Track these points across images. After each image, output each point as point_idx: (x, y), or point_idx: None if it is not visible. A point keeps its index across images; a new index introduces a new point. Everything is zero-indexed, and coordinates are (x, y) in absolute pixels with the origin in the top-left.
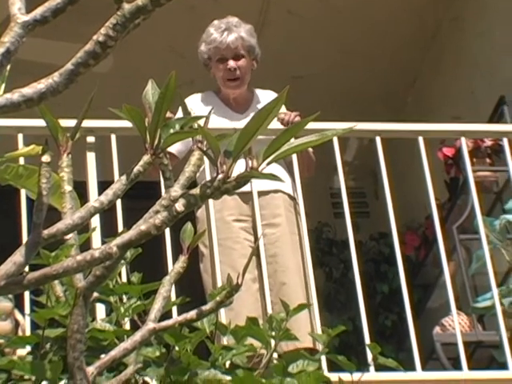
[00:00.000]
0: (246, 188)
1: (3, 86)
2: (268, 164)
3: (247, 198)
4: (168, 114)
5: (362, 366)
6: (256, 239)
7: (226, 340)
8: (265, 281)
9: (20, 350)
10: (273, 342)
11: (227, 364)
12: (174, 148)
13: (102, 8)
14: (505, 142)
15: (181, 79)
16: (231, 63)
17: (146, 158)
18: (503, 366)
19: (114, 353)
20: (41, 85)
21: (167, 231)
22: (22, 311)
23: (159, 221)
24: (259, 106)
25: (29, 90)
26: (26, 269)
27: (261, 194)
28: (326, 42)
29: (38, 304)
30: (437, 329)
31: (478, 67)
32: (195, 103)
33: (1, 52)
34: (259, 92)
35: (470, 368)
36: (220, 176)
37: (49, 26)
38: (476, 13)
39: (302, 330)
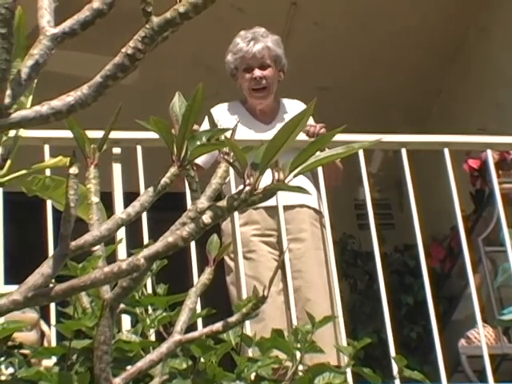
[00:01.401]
0: (271, 202)
1: (31, 97)
2: (294, 176)
3: (273, 212)
4: (194, 127)
5: (387, 379)
6: (281, 253)
7: (251, 352)
8: (290, 294)
9: (46, 360)
10: (298, 354)
11: (252, 376)
12: (200, 159)
13: (130, 20)
14: None
15: (206, 91)
16: (257, 72)
17: (172, 169)
18: None
19: (140, 364)
20: (70, 97)
21: (192, 243)
22: (47, 322)
23: (186, 233)
24: (286, 116)
25: (58, 103)
26: (53, 281)
27: (286, 208)
28: (350, 53)
29: (65, 315)
30: (462, 341)
31: (505, 78)
32: (221, 113)
33: (30, 64)
34: (286, 102)
35: (496, 381)
36: (247, 188)
37: (76, 37)
38: (503, 24)
39: (327, 347)
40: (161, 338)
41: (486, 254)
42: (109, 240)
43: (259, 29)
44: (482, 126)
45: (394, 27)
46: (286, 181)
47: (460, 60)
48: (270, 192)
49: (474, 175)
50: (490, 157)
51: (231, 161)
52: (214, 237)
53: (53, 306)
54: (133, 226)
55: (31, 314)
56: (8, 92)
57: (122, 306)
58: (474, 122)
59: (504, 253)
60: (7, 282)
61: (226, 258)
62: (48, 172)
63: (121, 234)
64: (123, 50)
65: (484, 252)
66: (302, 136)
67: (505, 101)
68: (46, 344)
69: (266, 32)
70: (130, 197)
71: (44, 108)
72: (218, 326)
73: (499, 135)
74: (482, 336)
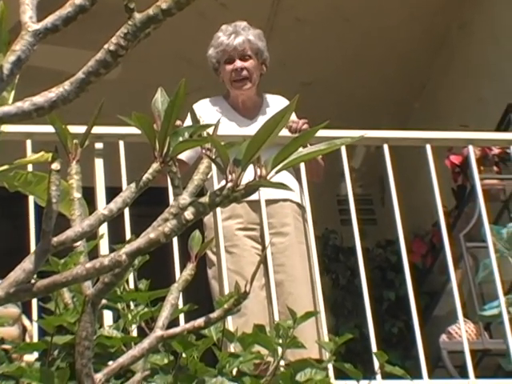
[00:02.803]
0: (255, 196)
1: (13, 93)
2: (277, 172)
3: (256, 206)
4: (177, 122)
5: (369, 374)
6: (264, 248)
7: (233, 347)
8: (272, 289)
9: (27, 355)
10: (280, 350)
11: (234, 371)
12: (184, 155)
13: (112, 15)
14: None
15: (189, 86)
16: (238, 63)
17: (155, 165)
18: (510, 374)
19: (121, 360)
20: (52, 93)
21: (174, 238)
22: (29, 317)
23: (168, 229)
24: (268, 111)
25: (40, 99)
26: (35, 276)
27: (270, 202)
28: (333, 49)
29: (46, 311)
30: (443, 337)
31: (486, 75)
32: (204, 108)
33: (12, 60)
34: (269, 97)
35: (477, 376)
36: (229, 184)
37: (59, 32)
38: (484, 20)
39: (309, 342)
40: (143, 334)
41: (468, 249)
42: (91, 235)
43: (240, 22)
44: (464, 122)
45: (376, 23)
46: (269, 177)
47: (442, 56)
48: (252, 188)
49: (455, 171)
50: (472, 153)
51: (213, 157)
52: (196, 232)
53: (34, 301)
54: (115, 221)
55: (13, 309)
56: None
57: (103, 301)
58: (456, 118)
59: (485, 249)
60: None
61: (209, 251)
62: (30, 167)
63: (103, 229)
64: (105, 46)
65: (465, 248)
66: (284, 132)
67: (487, 96)
68: (27, 339)
69: (247, 26)
70: (112, 192)
71: (26, 104)
72: (200, 321)
73: (480, 131)
74: (463, 331)
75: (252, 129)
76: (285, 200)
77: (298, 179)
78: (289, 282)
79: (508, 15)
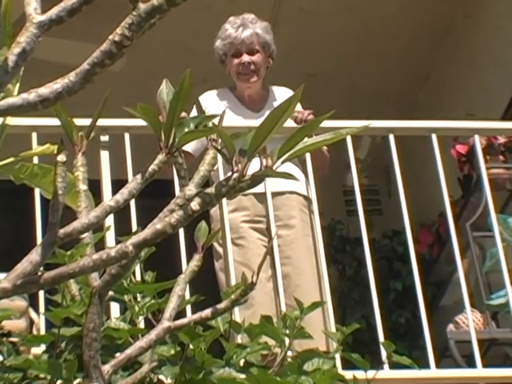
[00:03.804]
0: (261, 188)
1: (18, 85)
2: (282, 163)
3: (263, 198)
4: (182, 114)
5: (376, 364)
6: (270, 240)
7: (240, 338)
8: (279, 280)
9: (35, 348)
10: (287, 341)
11: (241, 362)
12: (190, 146)
13: (116, 7)
14: None
15: (194, 78)
16: (245, 57)
17: (160, 157)
18: None
19: (129, 351)
20: (57, 85)
21: (181, 229)
22: (36, 310)
23: (175, 220)
24: (275, 104)
25: (45, 90)
26: (41, 268)
27: (276, 194)
28: (337, 40)
29: (53, 303)
30: (450, 326)
31: (492, 64)
32: (210, 100)
33: (16, 52)
34: (275, 89)
35: (484, 365)
36: (235, 175)
37: (62, 25)
38: (489, 10)
39: (316, 333)
40: (150, 326)
41: (474, 239)
42: (97, 227)
43: (248, 15)
44: (469, 111)
45: (381, 13)
46: (274, 167)
47: (447, 46)
48: (258, 178)
49: (461, 161)
50: (478, 142)
51: (219, 147)
52: (203, 224)
53: (41, 293)
54: (121, 213)
55: (20, 302)
56: None
57: (110, 293)
58: (461, 107)
59: (492, 238)
60: None
61: (215, 243)
62: (36, 160)
63: (109, 221)
64: (110, 37)
65: (472, 237)
66: (289, 122)
67: (492, 86)
68: (34, 332)
69: (255, 18)
70: (118, 184)
71: (31, 95)
72: (207, 312)
73: (486, 120)
74: (471, 321)
75: (258, 122)
76: (291, 192)
77: (304, 171)
78: (296, 275)
79: None
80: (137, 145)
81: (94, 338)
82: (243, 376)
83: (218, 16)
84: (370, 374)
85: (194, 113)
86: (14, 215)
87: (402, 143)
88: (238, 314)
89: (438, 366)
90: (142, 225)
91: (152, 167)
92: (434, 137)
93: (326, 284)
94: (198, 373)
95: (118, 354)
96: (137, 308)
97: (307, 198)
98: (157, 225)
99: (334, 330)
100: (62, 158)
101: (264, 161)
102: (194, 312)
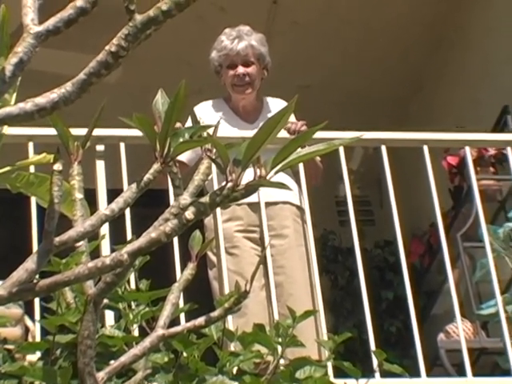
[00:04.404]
0: (255, 198)
1: (15, 95)
2: (276, 173)
3: (256, 208)
4: (177, 124)
5: (368, 372)
6: (263, 249)
7: (233, 346)
8: (272, 289)
9: (30, 355)
10: (280, 349)
11: (234, 370)
12: (185, 156)
13: (112, 18)
14: (508, 151)
15: (189, 89)
16: (240, 69)
17: (155, 166)
18: (507, 372)
19: (123, 359)
20: (53, 94)
21: (175, 238)
22: (31, 317)
23: (169, 228)
24: (269, 115)
25: (42, 100)
26: (37, 276)
27: (270, 204)
28: (330, 52)
29: (48, 310)
30: (441, 335)
31: (482, 77)
32: (205, 110)
33: (14, 62)
34: (269, 100)
35: (474, 374)
36: (229, 184)
37: (60, 35)
38: (480, 24)
39: (309, 342)
40: (144, 333)
41: (465, 249)
42: (92, 236)
43: (244, 27)
44: (460, 123)
45: (373, 26)
46: (268, 177)
47: (438, 59)
48: (252, 188)
49: (452, 172)
50: (469, 154)
51: (213, 157)
52: (197, 232)
53: (37, 301)
54: (116, 222)
55: (15, 310)
56: None
57: (105, 301)
58: (452, 120)
59: (482, 248)
60: None
61: (209, 252)
62: (32, 169)
63: (104, 229)
64: (107, 47)
65: (462, 248)
66: (283, 133)
67: (483, 98)
68: (30, 339)
69: (250, 30)
70: (113, 193)
71: (28, 105)
72: (201, 320)
73: (477, 132)
74: (461, 330)
75: (252, 133)
76: (284, 202)
77: (297, 182)
78: (288, 284)
79: (504, 18)
80: (132, 154)
81: (89, 346)
82: None
83: (212, 28)
84: (362, 382)
85: (189, 123)
86: (10, 224)
87: (394, 154)
88: (231, 323)
89: (429, 374)
90: (137, 234)
91: (147, 176)
92: (425, 148)
93: (319, 293)
94: (192, 380)
95: (112, 362)
96: (131, 316)
97: (300, 208)
98: (151, 233)
99: (326, 338)
100: (58, 166)
101: (258, 171)
102: (187, 320)
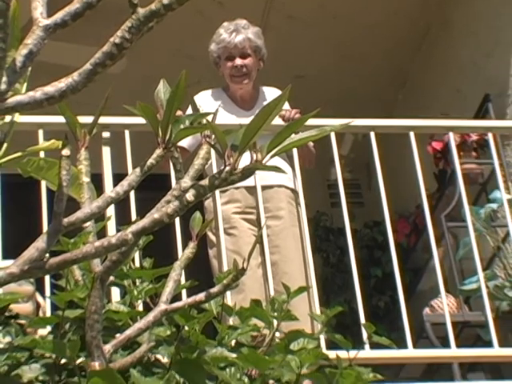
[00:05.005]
0: (251, 182)
1: (25, 84)
2: (271, 157)
3: (253, 191)
4: (178, 112)
5: (358, 345)
6: (260, 229)
7: (231, 320)
8: (268, 267)
9: (41, 329)
10: (275, 322)
11: (233, 342)
12: (185, 142)
13: (116, 13)
14: (489, 136)
15: (189, 79)
16: (238, 61)
17: (158, 151)
18: (488, 343)
19: (128, 332)
20: (61, 83)
21: (177, 219)
22: (42, 294)
23: (171, 210)
24: (265, 103)
25: (50, 89)
26: (47, 255)
27: (265, 188)
28: (323, 45)
29: (58, 287)
30: (426, 310)
31: (465, 67)
32: (205, 99)
33: (24, 53)
34: (265, 89)
35: (458, 346)
36: (227, 168)
37: (67, 29)
38: (463, 17)
39: (302, 317)
40: (148, 308)
41: (449, 229)
42: (99, 217)
43: (241, 21)
44: (444, 111)
45: (364, 21)
46: (264, 161)
47: (424, 51)
48: (248, 171)
49: (437, 156)
50: (452, 139)
51: (212, 143)
52: (197, 214)
53: (47, 278)
54: (121, 204)
55: (27, 287)
56: (4, 79)
57: (111, 278)
58: (437, 108)
59: (465, 228)
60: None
61: (209, 233)
62: (42, 154)
63: (110, 211)
64: (111, 39)
65: (446, 227)
66: (278, 120)
67: (465, 88)
68: (41, 314)
69: (247, 24)
70: (119, 178)
71: (38, 93)
72: (201, 296)
73: (460, 119)
74: (445, 305)
75: (249, 120)
76: (279, 186)
77: (292, 166)
78: (283, 262)
79: (485, 13)
80: (136, 141)
81: (96, 320)
82: (234, 355)
83: (210, 21)
84: (352, 353)
85: (189, 111)
86: (22, 206)
87: (382, 140)
88: (229, 298)
89: (415, 346)
90: (141, 215)
91: (150, 161)
92: (411, 134)
93: (312, 271)
94: (193, 352)
95: (118, 335)
96: (136, 292)
97: (294, 191)
98: (154, 214)
99: (318, 312)
100: (66, 152)
101: (254, 155)
102: (188, 296)
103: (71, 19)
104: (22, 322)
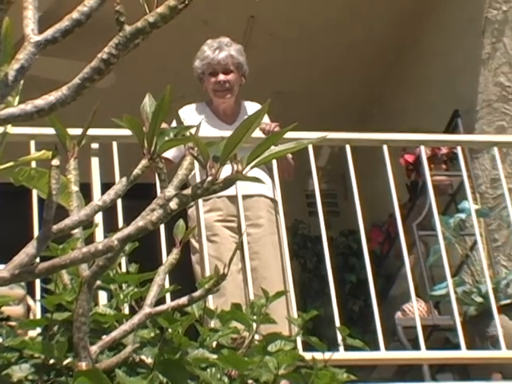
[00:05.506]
0: (233, 191)
1: (17, 98)
2: (251, 168)
3: (234, 200)
4: (163, 125)
5: (333, 347)
6: (240, 237)
7: (213, 323)
8: (248, 273)
9: (31, 331)
10: (254, 325)
11: (214, 344)
12: (170, 154)
13: (104, 30)
14: (459, 150)
15: (174, 94)
16: (221, 77)
17: (143, 162)
18: (456, 346)
19: (114, 334)
20: (51, 97)
21: (161, 227)
22: (33, 297)
23: (155, 217)
24: (246, 117)
25: (41, 102)
26: (37, 260)
27: (246, 197)
28: (302, 62)
29: (47, 291)
30: (398, 314)
31: (435, 84)
32: (189, 112)
33: (16, 68)
34: (246, 104)
35: (428, 348)
36: (209, 178)
37: (56, 45)
38: (434, 36)
39: (280, 320)
40: (133, 311)
41: (420, 237)
42: (87, 224)
43: (224, 38)
44: (416, 126)
45: (341, 41)
46: (244, 172)
47: (397, 68)
48: (229, 182)
49: (409, 168)
50: (423, 152)
51: (196, 154)
52: (181, 221)
53: (37, 282)
54: (108, 212)
55: (18, 290)
56: None
57: (98, 282)
58: (409, 122)
59: (435, 236)
60: None
61: (192, 239)
62: (33, 164)
63: (98, 219)
64: (99, 55)
65: (417, 236)
66: (258, 133)
67: (437, 103)
68: (31, 317)
69: (229, 41)
70: (106, 187)
71: (28, 106)
72: (184, 300)
73: (431, 133)
74: (416, 309)
75: (230, 133)
76: (259, 195)
77: (271, 176)
78: (262, 268)
79: (455, 32)
80: (123, 152)
81: (83, 322)
82: (215, 356)
83: (195, 39)
84: (327, 355)
85: (173, 124)
86: (13, 214)
87: (357, 153)
88: (211, 302)
89: (387, 348)
90: (128, 223)
91: (136, 171)
92: (385, 147)
93: (290, 276)
94: (175, 353)
95: (104, 337)
96: (122, 296)
97: (274, 201)
98: (139, 222)
99: (295, 316)
100: (56, 162)
101: (235, 166)
102: (172, 299)
103: (61, 36)
104: (13, 323)
